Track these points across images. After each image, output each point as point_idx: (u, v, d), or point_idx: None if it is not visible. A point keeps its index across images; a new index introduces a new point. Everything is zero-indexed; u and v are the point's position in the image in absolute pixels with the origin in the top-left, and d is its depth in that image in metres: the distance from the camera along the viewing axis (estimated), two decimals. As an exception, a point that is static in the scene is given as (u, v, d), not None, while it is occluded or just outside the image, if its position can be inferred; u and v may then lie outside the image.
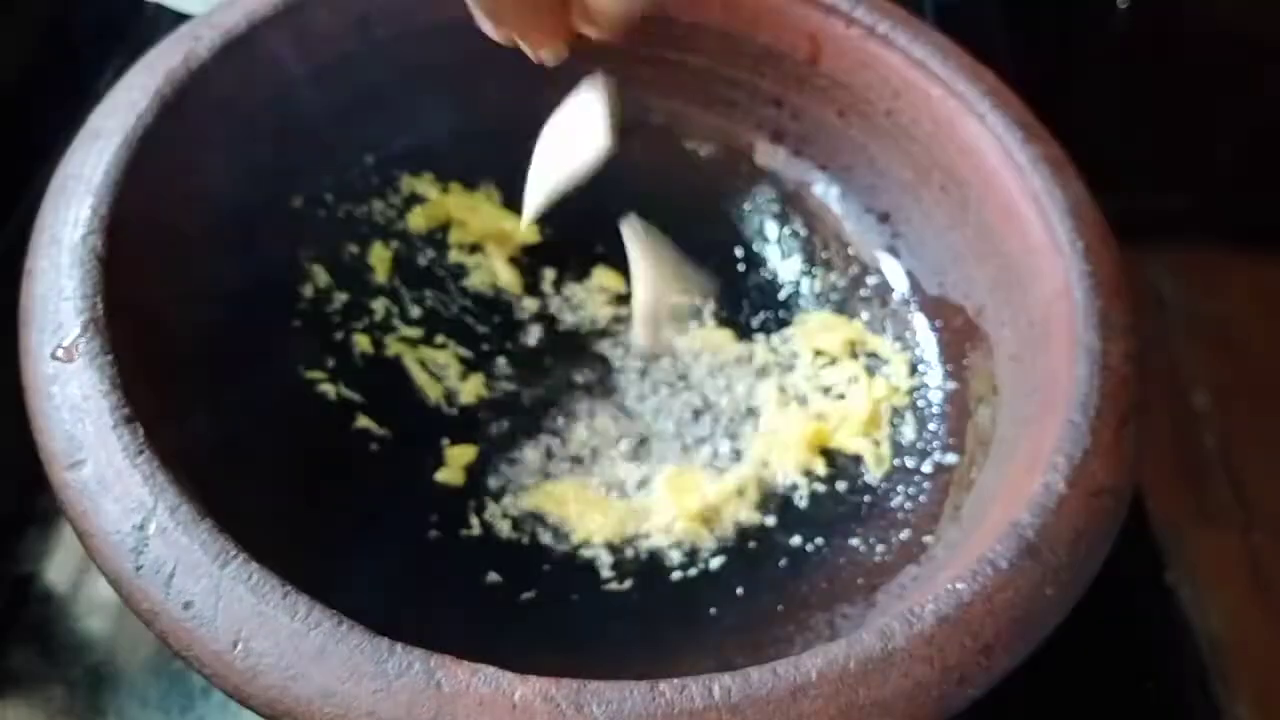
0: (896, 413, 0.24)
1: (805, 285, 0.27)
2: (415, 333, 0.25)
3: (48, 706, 0.22)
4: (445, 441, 0.23)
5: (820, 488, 0.23)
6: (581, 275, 0.27)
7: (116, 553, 0.16)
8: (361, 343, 0.24)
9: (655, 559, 0.22)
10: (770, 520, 0.23)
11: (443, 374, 0.24)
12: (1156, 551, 0.27)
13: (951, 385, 0.24)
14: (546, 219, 0.27)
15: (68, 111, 0.24)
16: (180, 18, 0.24)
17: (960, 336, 0.25)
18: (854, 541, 0.22)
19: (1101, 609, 0.21)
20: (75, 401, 0.17)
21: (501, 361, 0.25)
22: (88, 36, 0.34)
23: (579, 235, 0.27)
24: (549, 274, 0.27)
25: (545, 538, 0.22)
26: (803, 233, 0.28)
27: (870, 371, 0.25)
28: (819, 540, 0.22)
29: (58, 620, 0.23)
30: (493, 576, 0.21)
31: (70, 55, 0.33)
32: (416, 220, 0.26)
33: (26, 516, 0.24)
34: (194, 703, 0.21)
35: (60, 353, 0.18)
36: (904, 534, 0.22)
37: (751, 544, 0.22)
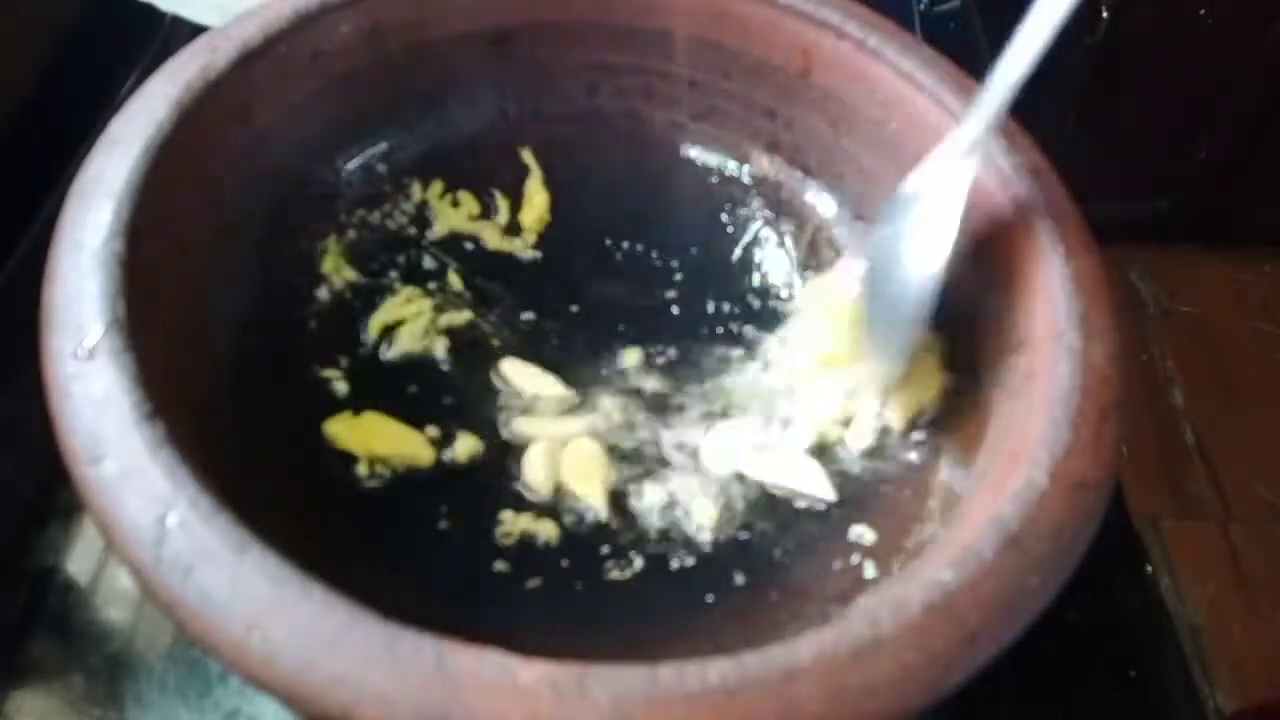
0: (885, 409, 0.25)
1: (798, 288, 0.28)
2: (427, 333, 0.26)
3: (68, 694, 0.22)
4: (456, 436, 0.24)
5: (813, 482, 0.24)
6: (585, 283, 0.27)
7: (137, 545, 0.16)
8: (374, 342, 0.25)
9: (656, 548, 0.23)
10: (766, 512, 0.24)
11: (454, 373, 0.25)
12: (1137, 543, 0.27)
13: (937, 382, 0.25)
14: (550, 227, 0.28)
15: (88, 120, 0.25)
16: (198, 29, 0.25)
17: (945, 335, 0.25)
18: (845, 531, 0.23)
19: (1085, 600, 0.21)
20: (97, 399, 0.18)
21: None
22: (107, 48, 0.35)
23: (583, 243, 0.27)
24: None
25: (550, 529, 0.23)
26: (794, 238, 0.29)
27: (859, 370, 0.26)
28: (812, 531, 0.23)
29: (78, 611, 0.23)
30: (499, 565, 0.22)
31: (90, 66, 0.34)
32: (430, 229, 0.27)
33: (48, 510, 0.25)
34: (211, 689, 0.22)
35: (82, 352, 0.18)
36: (892, 524, 0.23)
37: (747, 535, 0.23)
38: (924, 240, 0.22)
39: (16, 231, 0.30)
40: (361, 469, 0.23)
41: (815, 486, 0.23)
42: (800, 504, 0.23)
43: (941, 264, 0.22)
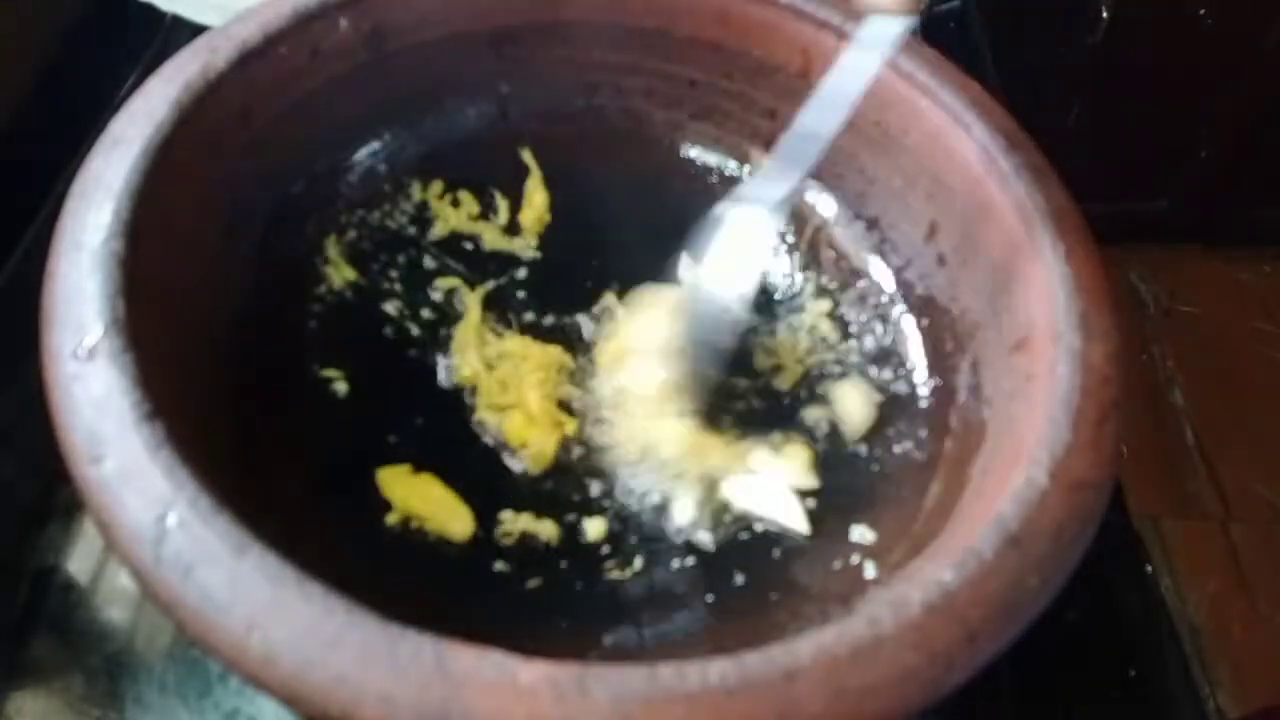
0: (884, 409, 0.25)
1: (797, 288, 0.28)
2: (427, 333, 0.26)
3: (68, 694, 0.22)
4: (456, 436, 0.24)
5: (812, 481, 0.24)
6: (585, 281, 0.27)
7: (137, 545, 0.16)
8: (375, 343, 0.25)
9: (656, 549, 0.23)
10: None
11: (455, 372, 0.25)
12: (1137, 543, 0.27)
13: (937, 382, 0.25)
14: (550, 227, 0.28)
15: (88, 121, 0.25)
16: (198, 29, 0.25)
17: (946, 335, 0.25)
18: (845, 531, 0.23)
19: (1085, 599, 0.21)
20: (97, 399, 0.18)
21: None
22: (108, 48, 0.35)
23: (583, 242, 0.27)
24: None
25: (550, 529, 0.23)
26: (794, 238, 0.29)
27: (859, 370, 0.26)
28: (811, 530, 0.23)
29: (78, 610, 0.23)
30: (500, 565, 0.22)
31: (91, 66, 0.34)
32: (430, 229, 0.27)
33: (48, 510, 0.25)
34: (211, 688, 0.22)
35: (82, 352, 0.18)
36: (891, 524, 0.23)
37: (748, 535, 0.23)
38: (732, 276, 0.22)
39: (16, 231, 0.30)
40: (391, 517, 0.22)
41: (792, 520, 0.23)
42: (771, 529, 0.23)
43: (745, 296, 0.22)
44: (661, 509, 0.23)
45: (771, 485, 0.23)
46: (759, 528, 0.23)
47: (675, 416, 0.24)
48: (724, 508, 0.23)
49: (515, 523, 0.23)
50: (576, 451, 0.24)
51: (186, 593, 0.16)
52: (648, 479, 0.23)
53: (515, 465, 0.24)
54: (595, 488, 0.23)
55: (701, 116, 0.29)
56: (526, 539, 0.22)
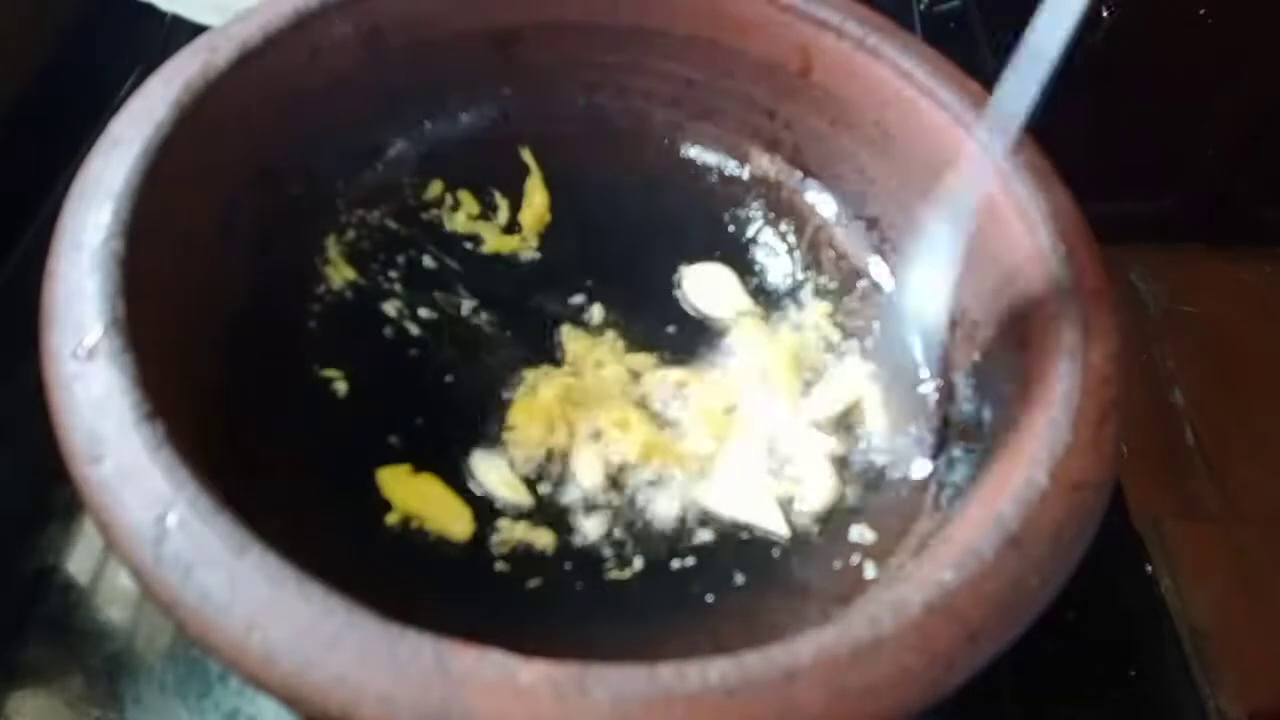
0: (883, 410, 0.25)
1: (797, 289, 0.28)
2: (426, 333, 0.26)
3: (68, 694, 0.22)
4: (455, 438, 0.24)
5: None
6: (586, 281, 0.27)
7: (137, 545, 0.16)
8: (375, 343, 0.25)
9: (655, 549, 0.23)
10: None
11: (454, 374, 0.25)
12: (1138, 543, 0.27)
13: (937, 383, 0.25)
14: (550, 227, 0.28)
15: (88, 120, 0.25)
16: (198, 29, 0.25)
17: (946, 335, 0.25)
18: (845, 531, 0.23)
19: (1085, 600, 0.21)
20: (96, 399, 0.18)
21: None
22: (108, 48, 0.35)
23: (583, 243, 0.27)
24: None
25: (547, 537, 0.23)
26: (794, 238, 0.29)
27: (859, 372, 0.26)
28: (811, 531, 0.23)
29: (78, 611, 0.23)
30: (500, 566, 0.22)
31: (90, 66, 0.34)
32: (430, 229, 0.27)
33: (48, 511, 0.25)
34: (211, 689, 0.22)
35: (82, 352, 0.18)
36: (891, 525, 0.23)
37: (747, 535, 0.23)
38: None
39: (16, 231, 0.30)
40: (391, 517, 0.22)
41: (771, 522, 0.23)
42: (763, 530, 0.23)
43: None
44: (658, 510, 0.23)
45: (747, 487, 0.23)
46: (756, 530, 0.23)
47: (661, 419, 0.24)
48: (705, 511, 0.23)
49: (511, 531, 0.22)
50: (573, 450, 0.24)
51: (186, 593, 0.16)
52: (643, 478, 0.24)
53: (510, 464, 0.24)
54: (593, 486, 0.23)
55: (701, 116, 0.29)
56: (524, 544, 0.22)
